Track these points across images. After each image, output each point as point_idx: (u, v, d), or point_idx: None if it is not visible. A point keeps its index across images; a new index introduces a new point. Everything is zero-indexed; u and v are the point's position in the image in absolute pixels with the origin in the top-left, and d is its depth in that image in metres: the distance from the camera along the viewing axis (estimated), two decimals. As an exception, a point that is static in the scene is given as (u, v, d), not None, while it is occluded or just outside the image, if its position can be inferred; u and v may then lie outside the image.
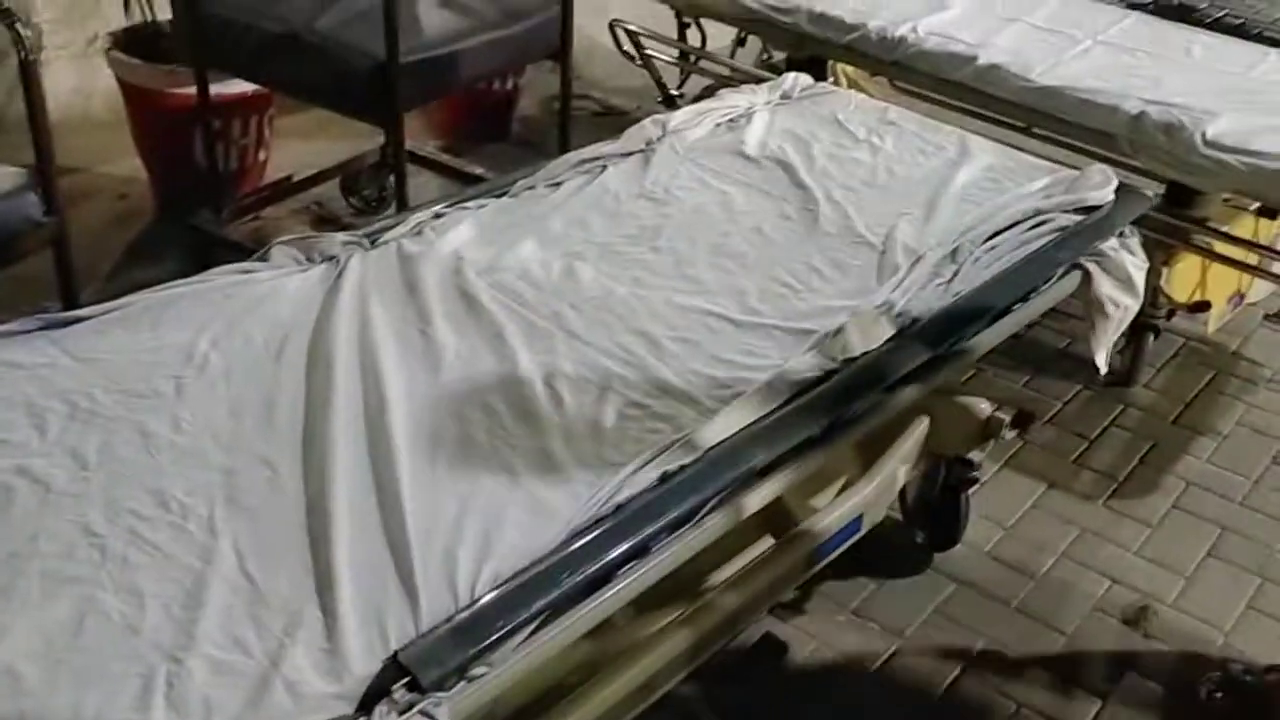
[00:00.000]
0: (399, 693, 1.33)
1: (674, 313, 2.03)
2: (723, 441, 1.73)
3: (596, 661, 1.79)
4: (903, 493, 2.61)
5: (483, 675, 1.42)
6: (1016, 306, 2.25)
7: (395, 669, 1.35)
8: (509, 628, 1.44)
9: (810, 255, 2.24)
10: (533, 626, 1.47)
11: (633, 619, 1.91)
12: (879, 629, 2.49)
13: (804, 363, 1.89)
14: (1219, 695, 2.41)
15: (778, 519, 2.20)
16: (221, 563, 1.44)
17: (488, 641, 1.42)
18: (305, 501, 1.55)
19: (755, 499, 1.79)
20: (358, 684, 1.33)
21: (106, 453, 1.58)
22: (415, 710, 1.34)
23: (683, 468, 1.67)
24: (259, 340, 1.83)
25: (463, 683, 1.41)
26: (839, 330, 1.98)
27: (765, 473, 1.80)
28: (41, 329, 1.77)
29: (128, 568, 1.41)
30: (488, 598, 1.45)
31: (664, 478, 1.66)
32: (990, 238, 2.29)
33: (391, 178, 3.40)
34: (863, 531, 2.38)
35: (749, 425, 1.78)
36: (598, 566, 1.54)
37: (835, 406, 1.88)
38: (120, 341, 1.78)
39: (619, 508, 1.60)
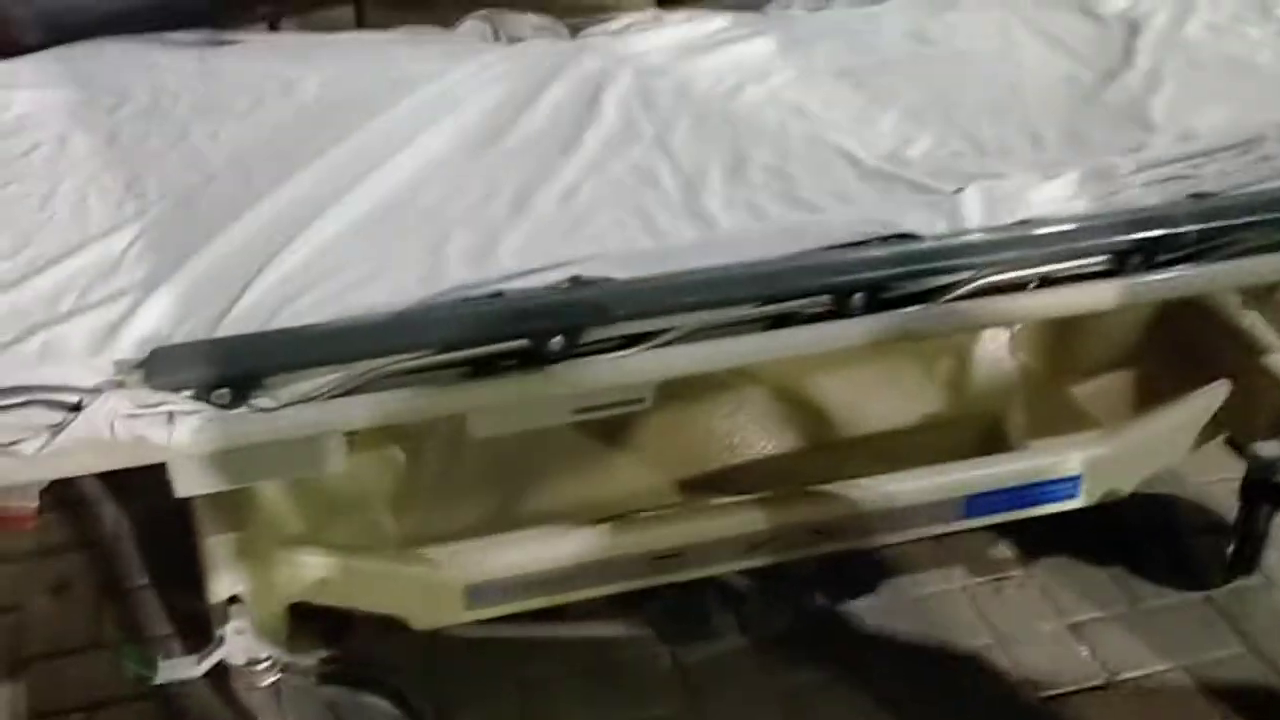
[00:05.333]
0: (132, 379, 1.31)
1: (803, 145, 1.69)
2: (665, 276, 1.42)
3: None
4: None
5: (271, 409, 1.34)
6: None
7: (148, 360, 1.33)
8: (285, 363, 1.34)
9: (1048, 121, 1.73)
10: (329, 380, 1.35)
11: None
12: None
13: (847, 216, 1.49)
14: None
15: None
16: (115, 240, 1.49)
17: (247, 368, 1.33)
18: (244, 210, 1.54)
19: (677, 362, 1.43)
20: (109, 364, 1.32)
21: (138, 140, 1.70)
22: (156, 407, 1.31)
23: (590, 282, 1.40)
24: (367, 89, 1.84)
25: (244, 408, 1.35)
26: (956, 191, 1.52)
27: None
28: (197, 44, 1.94)
29: (47, 223, 1.52)
30: (292, 327, 1.35)
31: (575, 282, 1.41)
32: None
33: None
34: (1083, 501, 1.84)
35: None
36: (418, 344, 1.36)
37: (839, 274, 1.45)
38: (254, 66, 1.88)
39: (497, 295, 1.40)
